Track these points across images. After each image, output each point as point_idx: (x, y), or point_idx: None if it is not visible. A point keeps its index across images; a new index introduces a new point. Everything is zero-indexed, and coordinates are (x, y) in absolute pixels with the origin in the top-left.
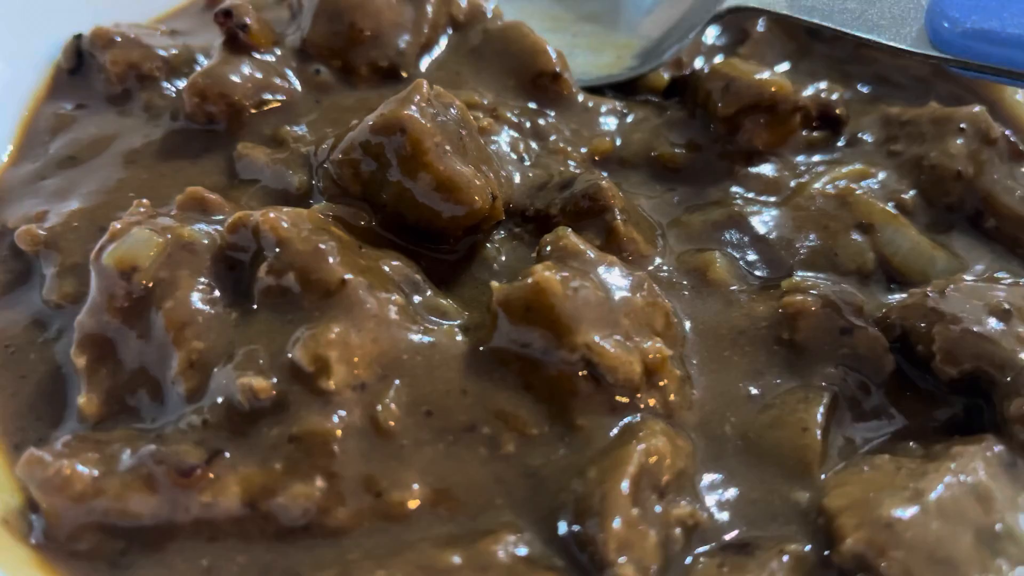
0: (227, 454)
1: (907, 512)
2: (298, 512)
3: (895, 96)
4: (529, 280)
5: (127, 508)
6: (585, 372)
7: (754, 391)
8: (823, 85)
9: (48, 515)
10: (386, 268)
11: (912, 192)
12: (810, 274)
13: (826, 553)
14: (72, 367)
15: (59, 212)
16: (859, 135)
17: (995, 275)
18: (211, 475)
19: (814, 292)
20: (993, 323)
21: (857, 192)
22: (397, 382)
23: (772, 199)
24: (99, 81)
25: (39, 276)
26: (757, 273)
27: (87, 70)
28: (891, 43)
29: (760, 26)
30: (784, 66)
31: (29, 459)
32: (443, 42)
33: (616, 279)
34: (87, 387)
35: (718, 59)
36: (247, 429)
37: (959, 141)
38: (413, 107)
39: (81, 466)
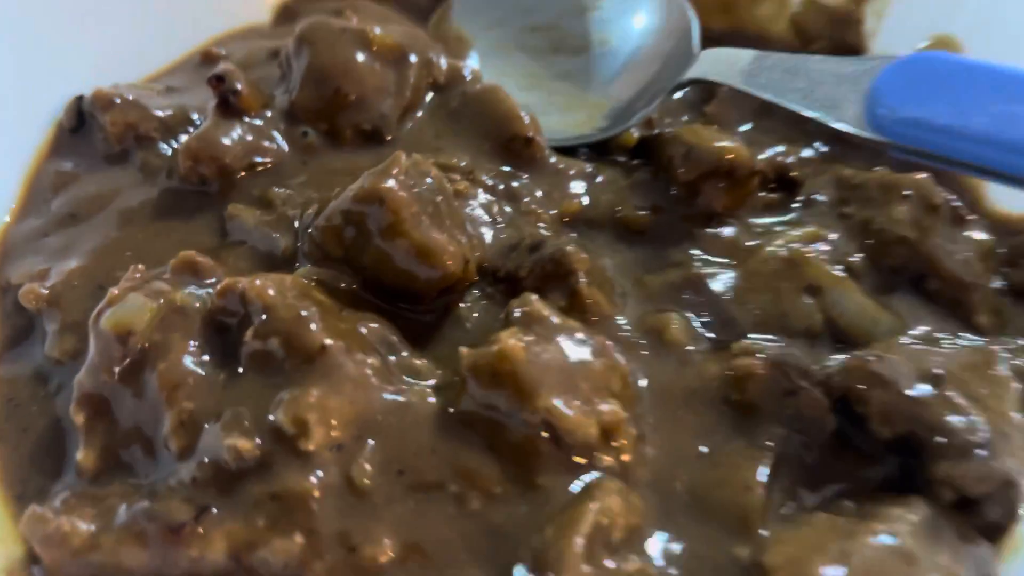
0: (214, 510)
1: (835, 572)
2: (279, 566)
3: (851, 156)
4: (495, 348)
5: (120, 562)
6: (546, 434)
7: (704, 449)
8: (781, 149)
9: (48, 569)
10: (364, 330)
11: (859, 255)
12: (760, 336)
13: None
14: (71, 423)
15: (60, 270)
16: (814, 196)
17: (935, 335)
18: (199, 530)
19: (762, 355)
20: (925, 388)
21: (808, 255)
22: (371, 442)
23: (729, 261)
24: (99, 140)
25: (41, 332)
26: (710, 335)
27: (88, 129)
28: (834, 123)
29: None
30: (747, 125)
31: (31, 516)
32: (424, 104)
33: (577, 344)
34: (84, 443)
35: (685, 118)
36: (232, 487)
37: (904, 207)
38: (391, 180)
39: (79, 522)
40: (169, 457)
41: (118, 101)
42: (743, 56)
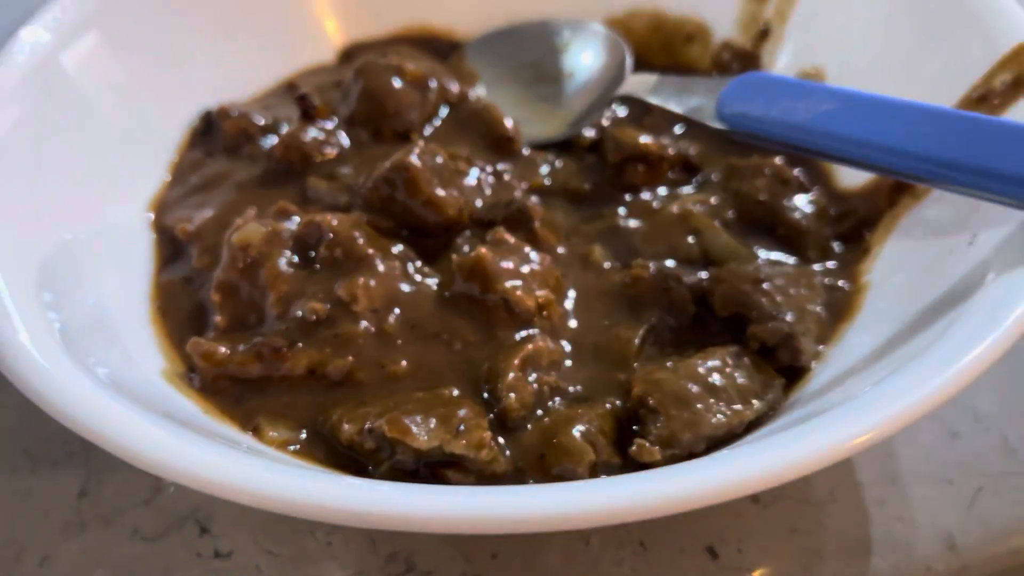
0: (300, 344)
1: (666, 375)
2: (338, 374)
3: (743, 152)
4: (472, 255)
5: (244, 370)
6: (503, 306)
7: (606, 323)
8: (685, 143)
9: (201, 372)
10: (394, 250)
11: (731, 212)
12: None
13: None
14: (209, 303)
15: (200, 217)
16: (711, 176)
17: (775, 261)
18: (290, 355)
19: (650, 267)
20: (750, 285)
21: (695, 211)
22: (396, 310)
23: (640, 216)
24: (220, 139)
25: (186, 255)
26: (621, 259)
27: (213, 132)
28: (699, 120)
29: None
30: (679, 128)
31: (192, 341)
32: (440, 115)
33: (526, 256)
34: (219, 312)
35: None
36: (311, 331)
37: (762, 181)
38: (413, 155)
39: (219, 347)
40: (272, 319)
41: (234, 114)
42: (651, 78)
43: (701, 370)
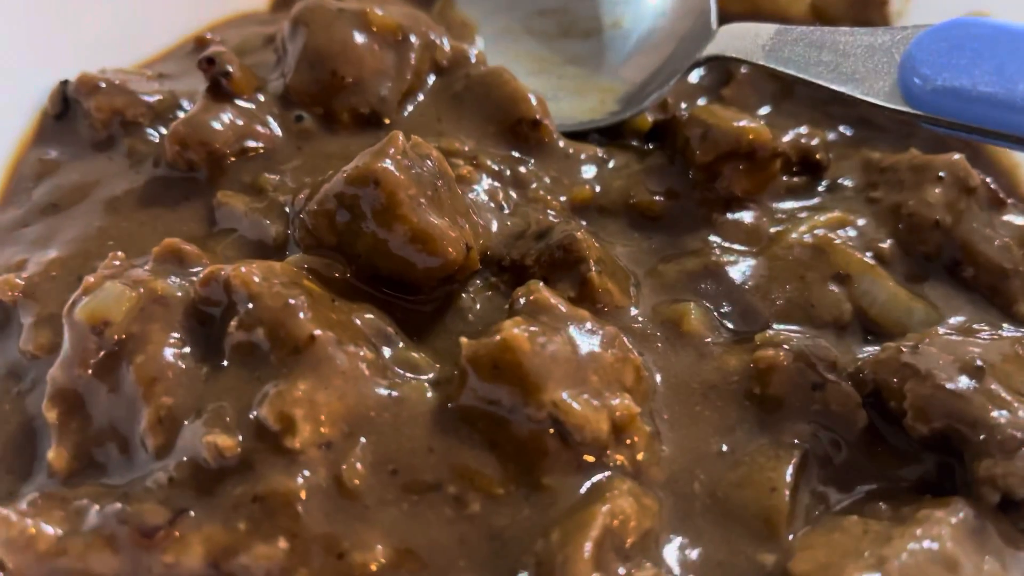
0: (192, 513)
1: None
2: (260, 573)
3: (878, 139)
4: (497, 337)
5: (89, 568)
6: (552, 430)
7: (724, 448)
8: (804, 130)
9: (14, 574)
10: (358, 321)
11: (890, 241)
12: (785, 327)
13: None
14: (44, 421)
15: (38, 261)
16: (840, 180)
17: (973, 327)
18: (175, 534)
19: (787, 346)
20: (965, 380)
21: (835, 241)
22: (363, 440)
23: (750, 248)
24: (84, 127)
25: (17, 325)
26: (731, 325)
27: (73, 116)
28: (864, 97)
29: (744, 67)
30: (766, 108)
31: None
32: (426, 88)
33: (586, 334)
34: (57, 441)
35: (701, 101)
36: (212, 488)
37: (937, 190)
38: (388, 160)
39: (46, 525)
40: (145, 457)
41: (103, 86)
42: (764, 30)
43: (924, 554)
